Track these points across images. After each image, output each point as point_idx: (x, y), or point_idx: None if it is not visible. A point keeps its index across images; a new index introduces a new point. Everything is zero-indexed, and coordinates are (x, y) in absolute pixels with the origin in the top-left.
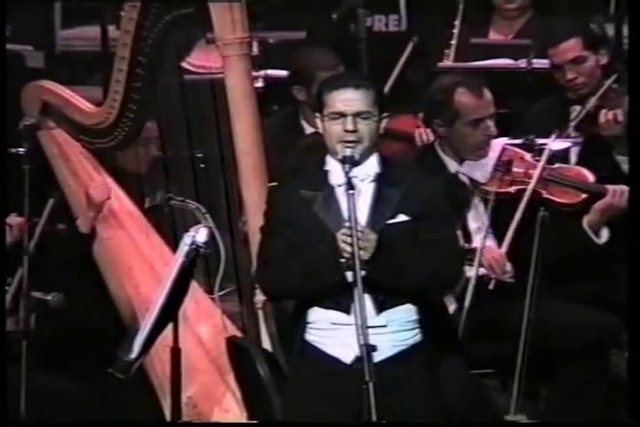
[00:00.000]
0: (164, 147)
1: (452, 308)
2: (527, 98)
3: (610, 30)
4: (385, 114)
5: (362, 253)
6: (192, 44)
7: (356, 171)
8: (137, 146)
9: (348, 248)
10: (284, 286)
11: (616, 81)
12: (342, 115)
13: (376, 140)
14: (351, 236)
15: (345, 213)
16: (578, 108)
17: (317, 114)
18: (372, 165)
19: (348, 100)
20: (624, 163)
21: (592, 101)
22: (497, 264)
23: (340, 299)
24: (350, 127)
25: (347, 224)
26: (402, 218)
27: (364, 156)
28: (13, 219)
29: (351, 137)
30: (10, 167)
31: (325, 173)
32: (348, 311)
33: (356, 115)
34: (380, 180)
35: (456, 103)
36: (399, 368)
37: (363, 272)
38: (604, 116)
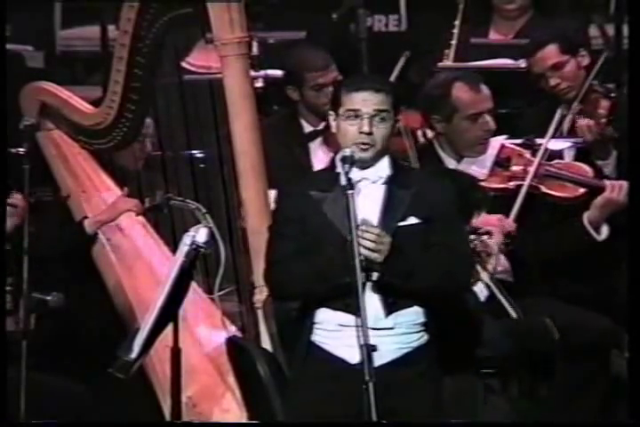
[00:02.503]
0: (163, 147)
1: (482, 296)
2: (527, 98)
3: (610, 30)
4: (398, 117)
5: (375, 255)
6: (191, 44)
7: (367, 173)
8: (136, 143)
9: (363, 250)
10: (292, 287)
11: (598, 80)
12: (359, 114)
13: (388, 143)
14: (359, 237)
15: (353, 215)
16: (559, 111)
17: (331, 112)
18: (383, 168)
19: (367, 100)
20: (605, 167)
21: (573, 107)
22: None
23: (348, 300)
24: (366, 129)
25: (362, 227)
26: (412, 220)
27: (376, 158)
28: (17, 198)
29: (366, 139)
30: (10, 167)
31: (336, 174)
32: (356, 313)
33: (373, 116)
34: (391, 182)
35: (454, 98)
36: (404, 370)
37: (375, 274)
38: (580, 122)
